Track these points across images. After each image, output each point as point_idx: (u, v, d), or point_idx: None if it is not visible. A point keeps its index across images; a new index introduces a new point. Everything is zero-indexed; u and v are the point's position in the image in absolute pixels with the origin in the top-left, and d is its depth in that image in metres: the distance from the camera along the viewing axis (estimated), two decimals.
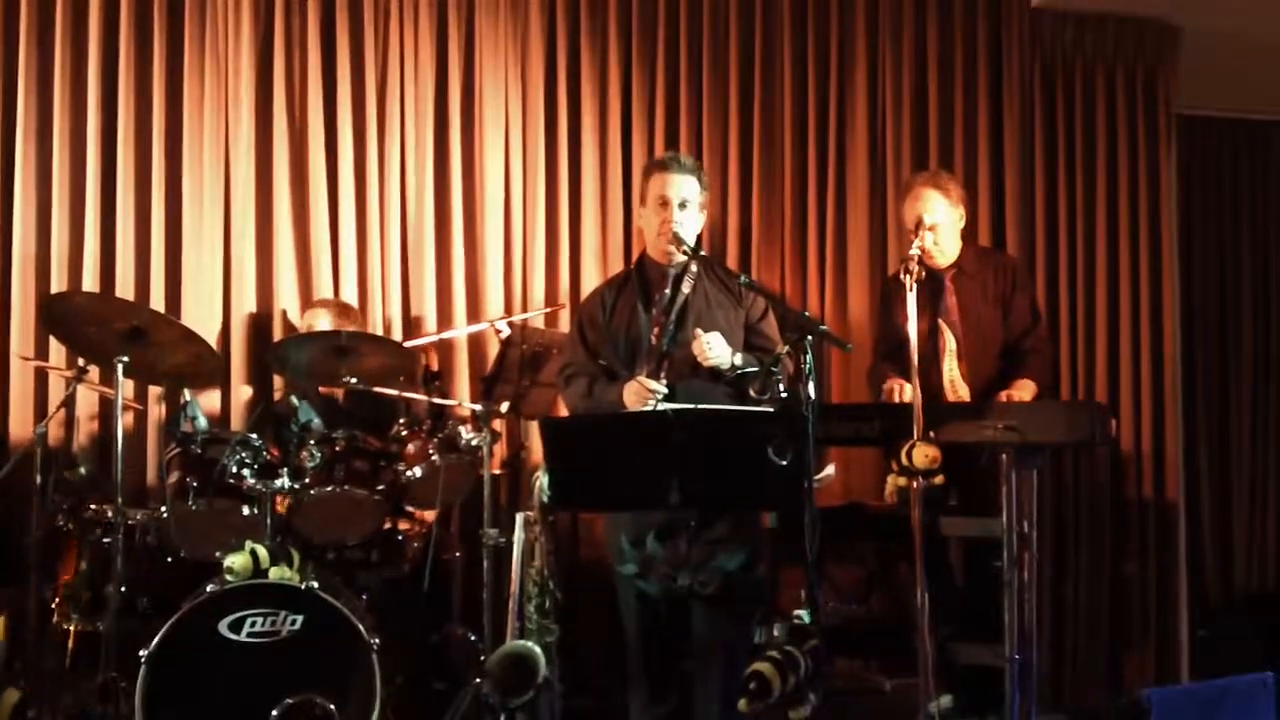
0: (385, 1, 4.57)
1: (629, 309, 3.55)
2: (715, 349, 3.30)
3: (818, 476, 2.92)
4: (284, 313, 4.41)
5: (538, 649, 2.96)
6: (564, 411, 3.85)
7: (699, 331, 3.32)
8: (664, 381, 3.29)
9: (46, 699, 3.58)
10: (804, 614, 2.78)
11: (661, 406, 3.07)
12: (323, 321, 4.13)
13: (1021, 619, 3.45)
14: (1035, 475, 3.66)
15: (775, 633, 2.80)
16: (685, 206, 3.52)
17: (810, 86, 4.93)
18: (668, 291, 3.50)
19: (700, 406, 2.97)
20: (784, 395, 2.84)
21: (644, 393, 3.23)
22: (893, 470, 3.26)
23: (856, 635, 4.03)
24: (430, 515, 4.01)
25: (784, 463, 2.66)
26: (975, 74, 5.03)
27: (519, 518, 3.26)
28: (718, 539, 3.23)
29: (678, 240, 3.44)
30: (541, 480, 3.10)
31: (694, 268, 3.52)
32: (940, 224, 3.98)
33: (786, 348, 2.96)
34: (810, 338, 2.83)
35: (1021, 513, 3.48)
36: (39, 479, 3.67)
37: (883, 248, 4.94)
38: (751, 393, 3.02)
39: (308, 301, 4.41)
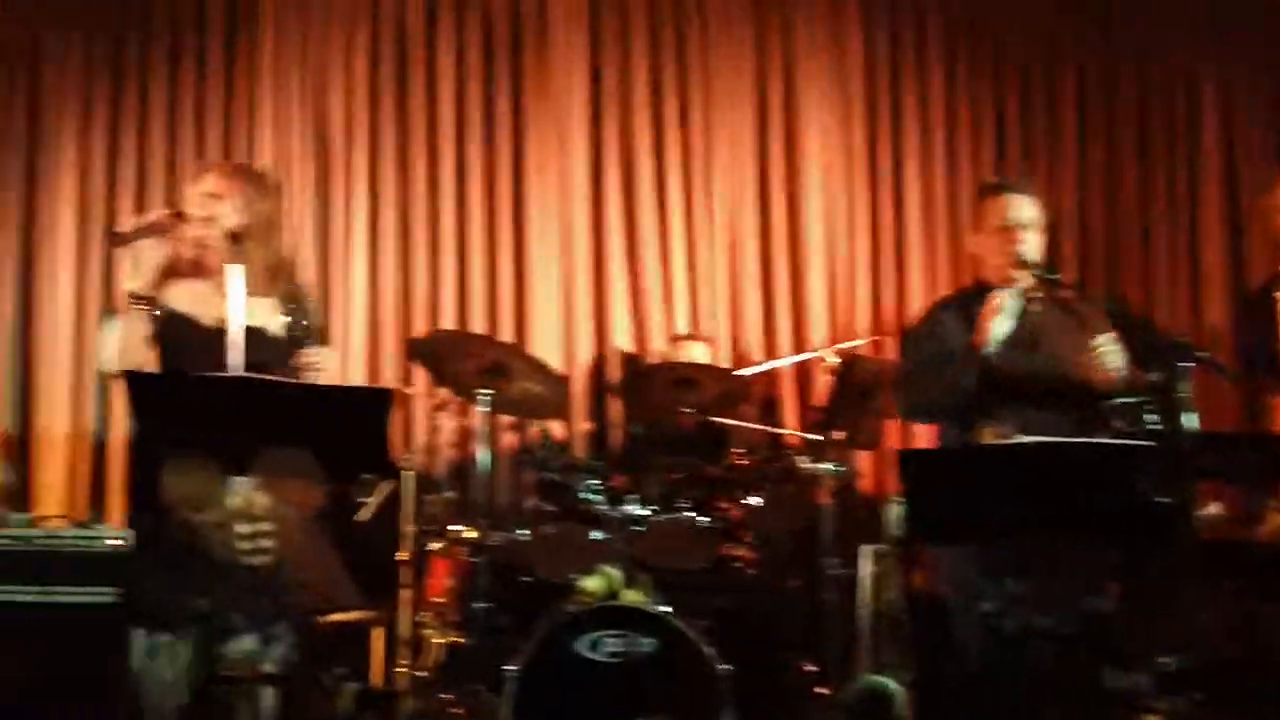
0: (704, 39, 4.73)
1: (966, 333, 3.47)
2: (1112, 355, 3.15)
3: (1200, 512, 2.76)
4: (619, 347, 4.60)
5: (895, 685, 2.93)
6: (896, 441, 3.81)
7: (1098, 338, 3.19)
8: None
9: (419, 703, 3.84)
10: (1169, 660, 2.62)
11: (1022, 438, 2.98)
12: (697, 353, 4.27)
13: None
14: None
15: (1135, 680, 2.65)
16: (1029, 229, 3.42)
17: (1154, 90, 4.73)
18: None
19: (1072, 440, 2.86)
20: (1157, 427, 2.70)
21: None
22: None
23: (1223, 684, 3.75)
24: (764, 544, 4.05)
25: (1161, 499, 2.53)
26: None
27: (866, 550, 3.24)
28: (1080, 576, 3.10)
29: (1027, 265, 3.34)
30: (895, 512, 3.07)
31: (1037, 291, 3.41)
32: None
33: (1159, 376, 2.81)
34: (1186, 364, 2.68)
35: None
36: (406, 503, 3.99)
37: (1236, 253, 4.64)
38: (1118, 425, 2.89)
39: (641, 336, 4.60)
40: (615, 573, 3.52)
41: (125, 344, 2.92)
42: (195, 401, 2.52)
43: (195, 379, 2.65)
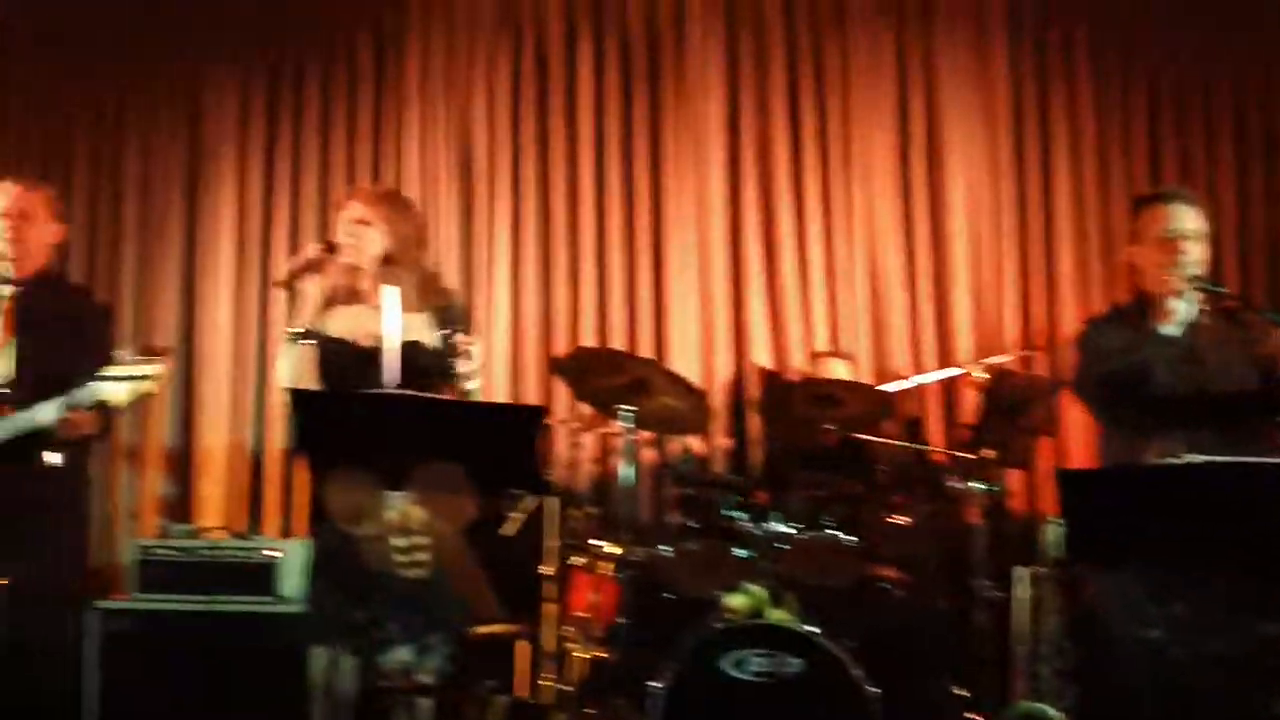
0: (843, 53, 4.68)
1: (1128, 348, 3.36)
2: None
3: None
4: (758, 366, 4.58)
5: (1054, 713, 2.83)
6: (1048, 459, 3.70)
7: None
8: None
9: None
10: None
11: (1193, 457, 2.86)
12: (838, 370, 4.23)
13: None
14: None
15: None
16: (1191, 239, 3.30)
17: None
18: (1174, 330, 3.29)
19: (1242, 460, 2.73)
20: None
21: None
22: None
23: None
24: (912, 564, 3.97)
25: None
26: None
27: (1021, 572, 3.15)
28: (1250, 600, 2.96)
29: (1192, 278, 3.22)
30: (1053, 533, 2.98)
31: (1201, 304, 3.28)
32: None
33: None
34: None
35: None
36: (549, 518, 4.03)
37: None
38: None
39: (780, 352, 4.56)
40: (760, 590, 3.50)
41: (297, 370, 3.07)
42: (354, 418, 2.58)
43: (354, 396, 2.74)
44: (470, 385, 3.20)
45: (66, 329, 3.49)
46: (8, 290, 3.44)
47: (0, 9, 4.97)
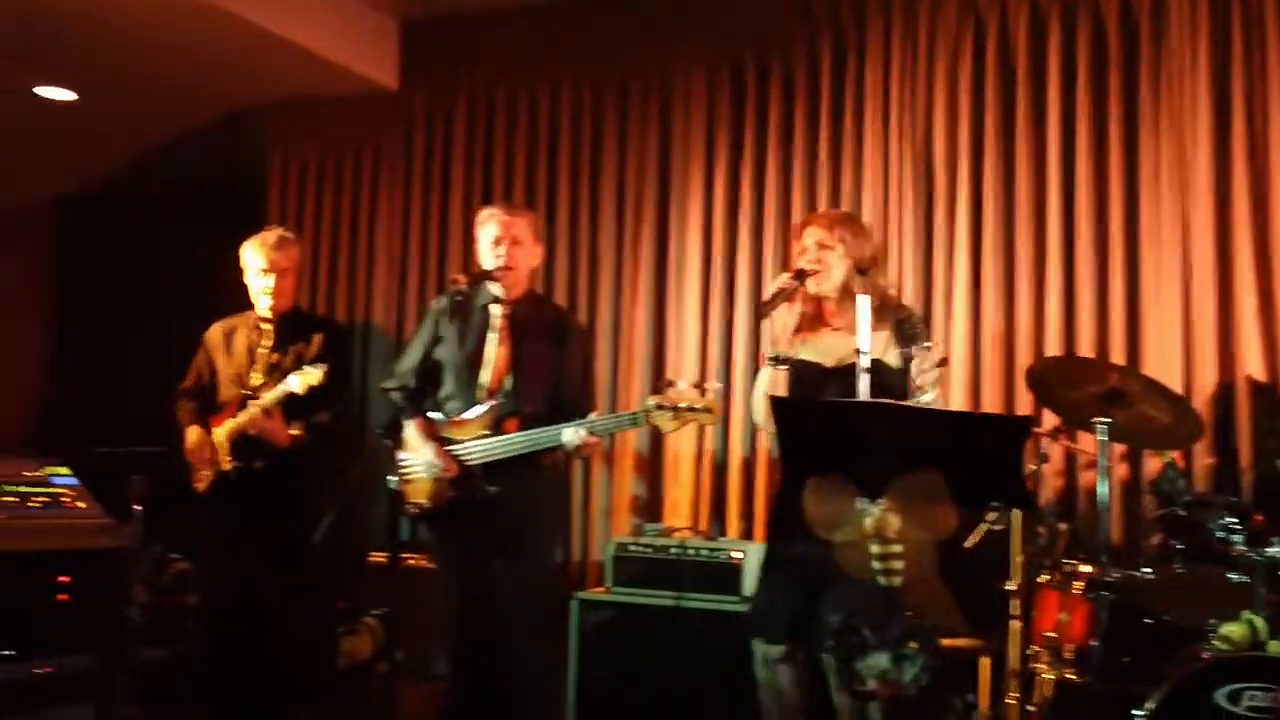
0: None
1: None
2: None
3: None
4: (1248, 377, 4.19)
5: None
6: None
7: None
8: None
9: None
10: None
11: None
12: None
13: None
14: None
15: None
16: None
17: None
18: None
19: None
20: None
21: None
22: None
23: None
24: None
25: None
26: None
27: None
28: None
29: None
30: None
31: None
32: None
33: None
34: None
35: None
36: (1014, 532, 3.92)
37: None
38: None
39: (1274, 360, 4.15)
40: (1259, 620, 3.21)
41: (771, 392, 3.32)
42: (836, 427, 2.67)
43: (834, 404, 2.83)
44: (926, 398, 3.24)
45: (552, 345, 3.88)
46: (500, 310, 3.88)
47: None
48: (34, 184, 7.44)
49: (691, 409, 3.48)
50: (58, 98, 5.84)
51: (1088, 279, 4.41)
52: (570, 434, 3.63)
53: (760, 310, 3.32)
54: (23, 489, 4.19)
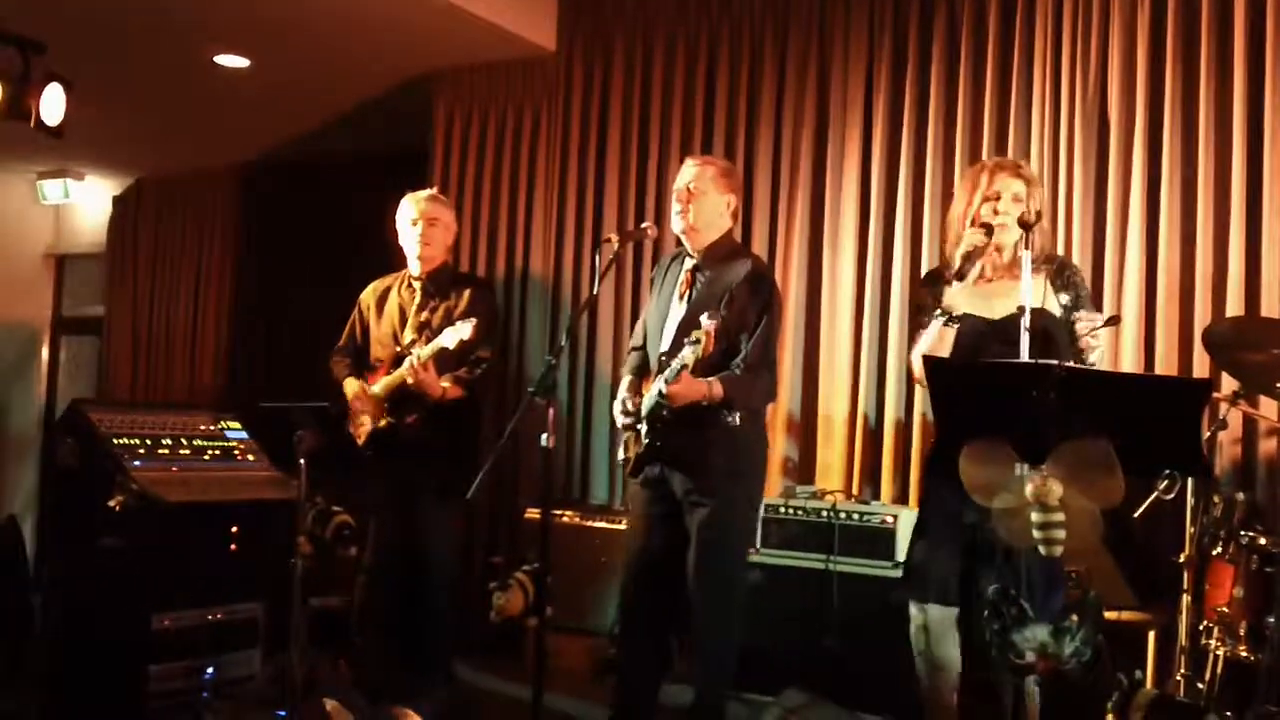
0: None
1: None
2: None
3: None
4: None
5: None
6: None
7: None
8: None
9: None
10: None
11: None
12: None
13: None
14: None
15: None
16: None
17: None
18: None
19: None
20: None
21: None
22: None
23: None
24: None
25: None
26: None
27: None
28: None
29: None
30: None
31: None
32: None
33: None
34: None
35: None
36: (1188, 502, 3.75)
37: None
38: None
39: None
40: None
41: (933, 348, 3.24)
42: (997, 388, 2.58)
43: (997, 365, 2.75)
44: (1092, 358, 3.13)
45: (730, 299, 3.79)
46: (689, 263, 3.88)
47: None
48: (218, 151, 7.79)
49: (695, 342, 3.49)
50: (233, 64, 6.04)
51: (1275, 238, 4.13)
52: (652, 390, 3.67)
53: (959, 272, 3.21)
54: (199, 442, 4.40)
